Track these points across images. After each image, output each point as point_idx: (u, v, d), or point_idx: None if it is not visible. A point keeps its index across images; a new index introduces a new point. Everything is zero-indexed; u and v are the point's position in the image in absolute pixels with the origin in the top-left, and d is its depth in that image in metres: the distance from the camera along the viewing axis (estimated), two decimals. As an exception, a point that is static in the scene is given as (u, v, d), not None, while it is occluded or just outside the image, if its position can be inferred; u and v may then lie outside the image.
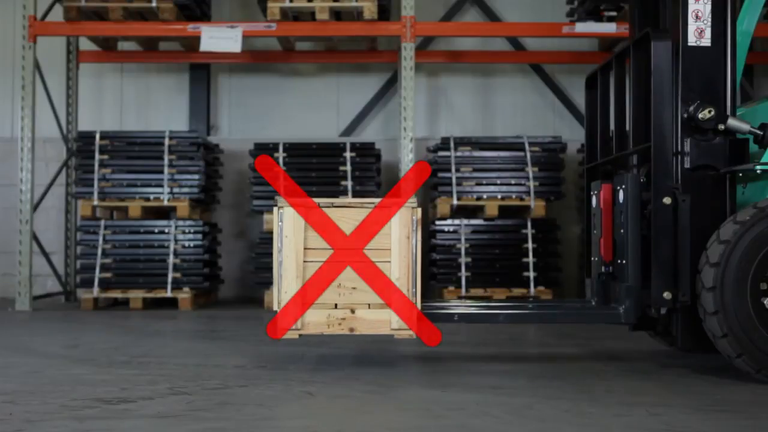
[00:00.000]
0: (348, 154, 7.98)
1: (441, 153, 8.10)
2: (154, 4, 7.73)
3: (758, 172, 3.85)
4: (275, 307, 3.72)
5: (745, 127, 3.87)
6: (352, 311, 3.70)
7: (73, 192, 8.21)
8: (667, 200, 3.82)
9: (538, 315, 4.03)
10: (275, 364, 4.10)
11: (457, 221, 7.92)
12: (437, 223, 7.96)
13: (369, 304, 3.71)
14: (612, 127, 4.48)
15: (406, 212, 3.70)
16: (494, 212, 7.88)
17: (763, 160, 3.85)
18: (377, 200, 3.75)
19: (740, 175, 3.96)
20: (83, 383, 3.57)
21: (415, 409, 3.15)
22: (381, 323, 3.69)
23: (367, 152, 8.06)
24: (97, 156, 7.81)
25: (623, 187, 3.96)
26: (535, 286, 7.76)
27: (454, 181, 7.94)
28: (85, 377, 3.75)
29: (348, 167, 7.91)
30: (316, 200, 3.75)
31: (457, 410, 3.05)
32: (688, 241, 3.79)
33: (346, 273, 3.71)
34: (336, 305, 3.71)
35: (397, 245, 3.69)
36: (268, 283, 7.46)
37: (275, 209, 3.73)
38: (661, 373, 3.91)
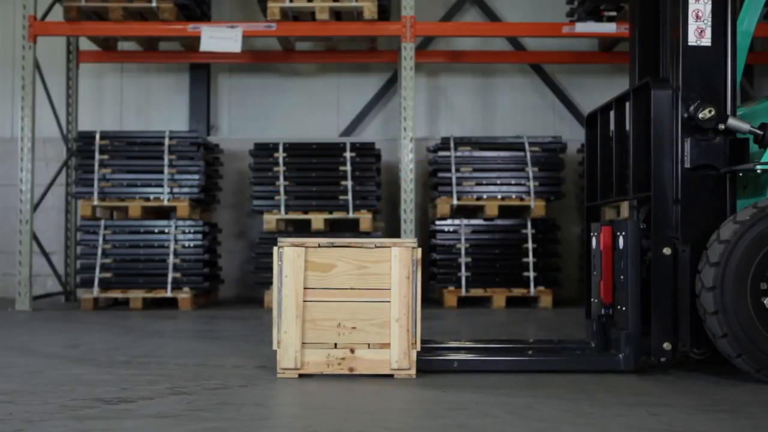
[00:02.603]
0: (348, 154, 7.98)
1: (441, 153, 8.11)
2: (154, 4, 7.73)
3: (758, 171, 3.85)
4: (274, 346, 3.72)
5: (745, 126, 3.87)
6: (352, 351, 3.71)
7: (73, 192, 8.21)
8: (667, 251, 3.81)
9: (538, 362, 3.97)
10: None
11: (457, 221, 7.92)
12: (437, 223, 7.96)
13: (369, 344, 3.71)
14: (611, 168, 4.46)
15: (405, 252, 3.70)
16: (494, 212, 7.88)
17: (763, 159, 3.85)
18: (377, 240, 3.75)
19: (740, 175, 3.96)
20: (83, 383, 3.57)
21: (415, 409, 3.15)
22: (381, 363, 3.69)
23: (367, 152, 8.06)
24: (97, 156, 7.81)
25: (623, 233, 3.94)
26: (535, 286, 7.77)
27: (454, 181, 7.94)
28: (85, 377, 3.75)
29: (348, 167, 7.91)
30: (316, 240, 3.74)
31: (457, 410, 3.05)
32: (687, 291, 3.77)
33: (345, 313, 3.71)
34: (335, 345, 3.71)
35: (397, 285, 3.69)
36: (268, 283, 7.46)
37: (275, 249, 3.73)
38: (661, 373, 3.91)
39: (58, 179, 8.46)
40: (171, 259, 7.63)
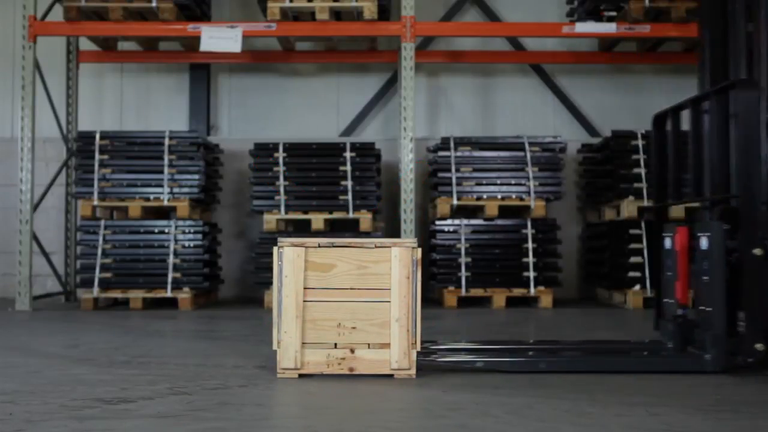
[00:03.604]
0: (348, 154, 7.98)
1: (441, 153, 8.11)
2: (154, 4, 7.73)
3: None
4: (274, 346, 3.72)
5: None
6: (352, 351, 3.71)
7: (73, 192, 8.21)
8: (758, 251, 3.81)
9: (609, 362, 3.93)
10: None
11: (457, 221, 7.92)
12: (437, 223, 7.96)
13: (369, 344, 3.71)
14: (684, 169, 4.45)
15: (405, 252, 3.70)
16: (494, 212, 7.88)
17: None
18: (377, 240, 3.75)
19: None
20: (83, 383, 3.57)
21: (415, 409, 3.15)
22: (381, 363, 3.69)
23: (367, 152, 8.06)
24: (97, 156, 7.81)
25: (708, 234, 3.94)
26: (535, 286, 7.77)
27: (454, 181, 7.94)
28: (85, 377, 3.74)
29: (348, 167, 7.91)
30: (316, 240, 3.74)
31: (457, 410, 3.05)
32: None
33: (345, 313, 3.71)
34: (335, 345, 3.71)
35: (397, 285, 3.69)
36: (268, 283, 7.46)
37: (275, 249, 3.73)
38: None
39: (58, 179, 8.46)
40: (171, 259, 7.63)
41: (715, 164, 4.05)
